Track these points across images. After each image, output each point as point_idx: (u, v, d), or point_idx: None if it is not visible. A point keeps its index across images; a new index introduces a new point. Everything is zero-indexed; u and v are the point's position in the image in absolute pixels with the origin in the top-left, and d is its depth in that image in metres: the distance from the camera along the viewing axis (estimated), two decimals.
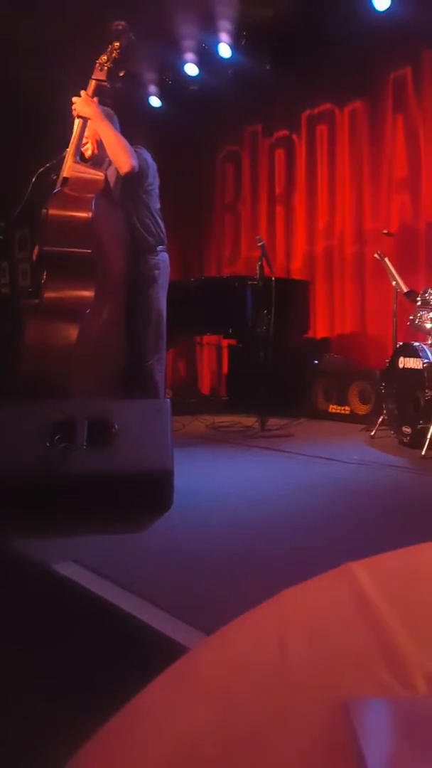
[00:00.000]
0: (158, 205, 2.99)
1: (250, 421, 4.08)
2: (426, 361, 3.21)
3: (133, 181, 2.80)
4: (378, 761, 0.43)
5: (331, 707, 0.47)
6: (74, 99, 2.76)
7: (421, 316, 3.50)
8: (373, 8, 4.61)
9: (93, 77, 2.77)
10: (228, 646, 0.60)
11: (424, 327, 3.48)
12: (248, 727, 0.46)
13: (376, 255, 4.07)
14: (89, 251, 2.58)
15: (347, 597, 0.66)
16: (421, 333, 3.60)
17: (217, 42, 5.36)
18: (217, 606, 1.19)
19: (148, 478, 2.00)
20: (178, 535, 1.83)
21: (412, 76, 4.98)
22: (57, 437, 1.95)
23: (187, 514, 2.02)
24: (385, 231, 4.35)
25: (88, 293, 2.57)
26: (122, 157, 2.70)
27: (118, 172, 2.77)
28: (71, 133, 2.78)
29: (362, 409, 4.40)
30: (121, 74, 2.82)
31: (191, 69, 5.68)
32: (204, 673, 0.55)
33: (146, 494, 2.01)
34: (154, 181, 2.94)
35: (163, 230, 2.99)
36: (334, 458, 3.04)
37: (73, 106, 2.76)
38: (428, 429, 3.07)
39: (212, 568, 1.53)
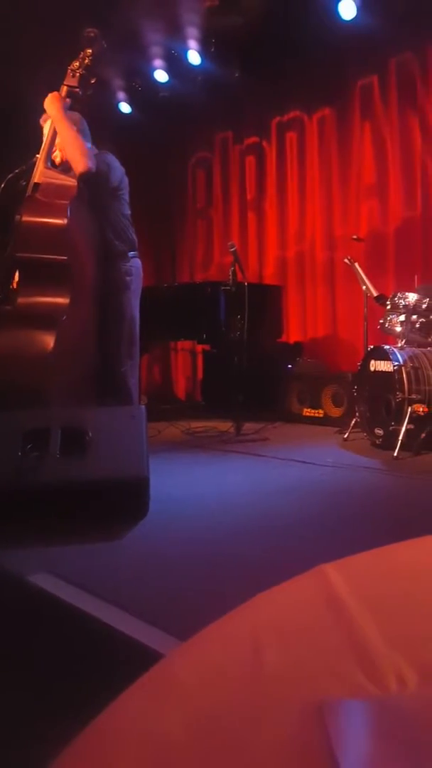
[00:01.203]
0: (129, 211, 2.98)
1: (226, 425, 4.09)
2: (396, 363, 3.27)
3: (96, 184, 2.78)
4: (352, 762, 0.43)
5: (305, 709, 0.47)
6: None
7: (390, 319, 3.56)
8: (340, 17, 4.70)
9: (65, 83, 2.76)
10: (202, 652, 0.60)
11: (394, 330, 3.54)
12: (223, 733, 0.46)
13: (346, 260, 4.13)
14: (65, 258, 2.57)
15: (320, 599, 0.67)
16: (392, 336, 3.67)
17: (187, 49, 5.39)
18: (193, 612, 1.19)
19: (124, 486, 1.99)
20: (155, 542, 1.82)
21: (379, 85, 5.08)
22: (29, 446, 1.93)
23: (163, 521, 2.01)
24: (355, 236, 4.42)
25: (63, 300, 2.56)
26: (77, 157, 2.69)
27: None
28: (42, 139, 2.77)
29: (336, 412, 4.44)
30: (93, 81, 2.82)
31: (161, 75, 5.69)
32: (179, 680, 0.56)
33: (122, 502, 2.00)
34: (122, 186, 2.93)
35: (134, 236, 2.99)
36: (308, 461, 3.07)
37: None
38: (400, 431, 3.13)
39: (188, 574, 1.53)
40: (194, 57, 5.43)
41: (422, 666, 0.57)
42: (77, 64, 2.75)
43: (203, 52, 5.41)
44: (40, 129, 2.86)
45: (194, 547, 1.77)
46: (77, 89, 2.75)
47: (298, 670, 0.55)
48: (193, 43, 5.31)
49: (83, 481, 1.93)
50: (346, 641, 0.59)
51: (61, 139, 2.74)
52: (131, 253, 2.95)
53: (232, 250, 4.03)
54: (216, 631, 0.62)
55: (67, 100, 2.75)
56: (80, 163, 2.68)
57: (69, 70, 2.76)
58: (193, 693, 0.52)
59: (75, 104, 2.83)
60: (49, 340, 2.42)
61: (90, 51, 2.74)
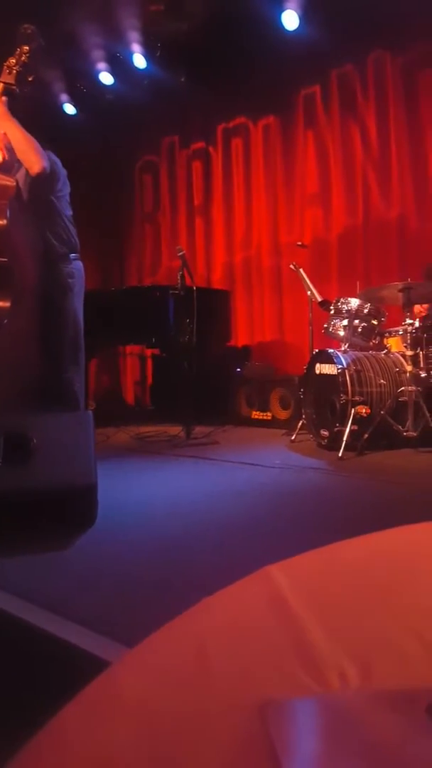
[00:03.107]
0: (70, 212, 2.93)
1: (176, 430, 4.08)
2: (340, 367, 3.35)
3: (44, 185, 2.73)
4: (293, 760, 0.44)
5: (248, 711, 0.48)
6: None
7: (334, 324, 3.65)
8: (284, 28, 4.80)
9: (0, 80, 2.69)
10: (148, 659, 0.60)
11: (338, 334, 3.64)
12: (168, 744, 0.46)
13: (291, 266, 4.21)
14: (5, 259, 2.50)
15: (264, 601, 0.68)
16: (335, 340, 3.77)
17: (132, 52, 5.37)
18: (142, 619, 1.18)
19: (71, 493, 1.95)
20: (103, 549, 1.80)
21: (321, 95, 5.21)
22: None
23: (112, 528, 1.99)
24: (299, 243, 4.51)
25: (3, 303, 2.48)
26: (32, 156, 2.63)
27: (27, 177, 2.70)
28: None
29: (283, 415, 4.52)
30: (30, 79, 2.76)
31: (106, 78, 5.65)
32: (123, 690, 0.55)
33: (69, 510, 1.96)
34: (63, 186, 2.89)
35: (76, 238, 2.94)
36: (257, 463, 3.10)
37: None
38: (344, 432, 3.21)
39: (137, 580, 1.51)
40: (140, 60, 5.42)
41: (363, 661, 0.59)
42: (14, 60, 2.69)
43: (149, 56, 5.41)
44: None
45: (143, 553, 1.76)
46: (14, 86, 2.69)
47: (242, 672, 0.56)
48: (138, 47, 5.30)
49: (28, 489, 1.88)
50: (289, 641, 0.60)
51: (12, 138, 2.66)
52: (73, 255, 2.90)
53: (181, 254, 4.03)
54: (161, 638, 0.62)
55: (3, 97, 2.68)
56: (36, 163, 2.62)
57: (5, 67, 2.69)
58: (138, 705, 0.52)
59: (13, 102, 2.76)
60: None
61: (27, 48, 2.69)
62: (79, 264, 2.95)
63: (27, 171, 2.69)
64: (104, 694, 0.54)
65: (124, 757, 0.48)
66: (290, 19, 4.75)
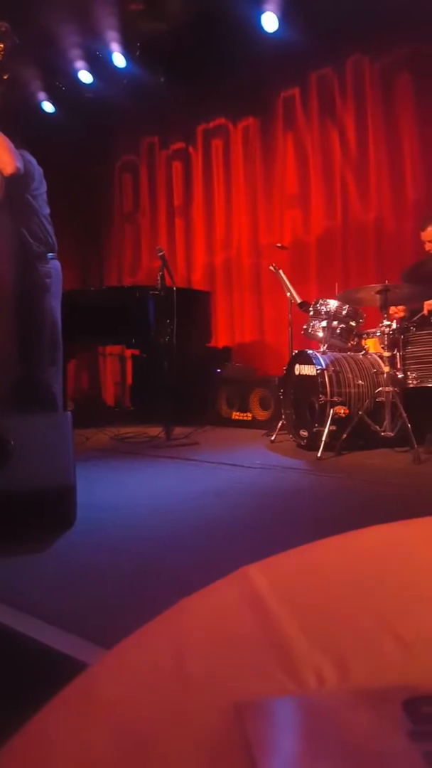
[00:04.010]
0: (47, 210, 2.91)
1: (156, 431, 4.07)
2: (319, 368, 3.38)
3: (18, 184, 2.70)
4: (269, 760, 0.44)
5: (226, 712, 0.48)
6: None
7: (313, 325, 3.68)
8: (263, 30, 4.82)
9: None
10: (125, 661, 0.60)
11: (317, 335, 3.67)
12: (144, 745, 0.46)
13: (271, 267, 4.24)
14: None
15: (242, 601, 0.68)
16: (314, 341, 3.80)
17: (111, 51, 5.34)
18: (121, 620, 1.18)
19: (49, 495, 1.94)
20: (81, 551, 1.78)
21: (300, 97, 5.25)
22: None
23: (91, 529, 1.97)
24: (279, 244, 4.54)
25: None
26: (5, 157, 2.61)
27: (1, 177, 2.67)
28: None
29: (263, 415, 4.54)
30: (5, 77, 2.73)
31: (85, 76, 5.61)
32: (100, 693, 0.55)
33: (47, 511, 1.94)
34: (40, 185, 2.86)
35: (54, 237, 2.91)
36: (237, 464, 3.11)
37: None
38: (323, 432, 3.23)
39: (115, 582, 1.51)
40: (119, 60, 5.40)
41: (339, 660, 0.60)
42: None
43: (128, 56, 5.39)
44: None
45: (122, 554, 1.75)
46: None
47: (219, 673, 0.56)
48: (117, 46, 5.28)
49: (5, 491, 1.86)
50: (266, 641, 0.60)
51: None
52: (50, 255, 2.88)
53: (161, 254, 4.02)
54: (138, 639, 0.62)
55: None
56: (9, 164, 2.59)
57: None
58: (115, 708, 0.52)
59: None
60: None
61: (2, 45, 2.66)
62: (57, 263, 2.93)
63: (0, 171, 2.66)
64: (81, 696, 0.54)
65: (101, 759, 0.48)
66: (270, 22, 4.78)
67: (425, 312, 3.51)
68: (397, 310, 3.73)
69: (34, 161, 2.82)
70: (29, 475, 1.91)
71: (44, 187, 2.89)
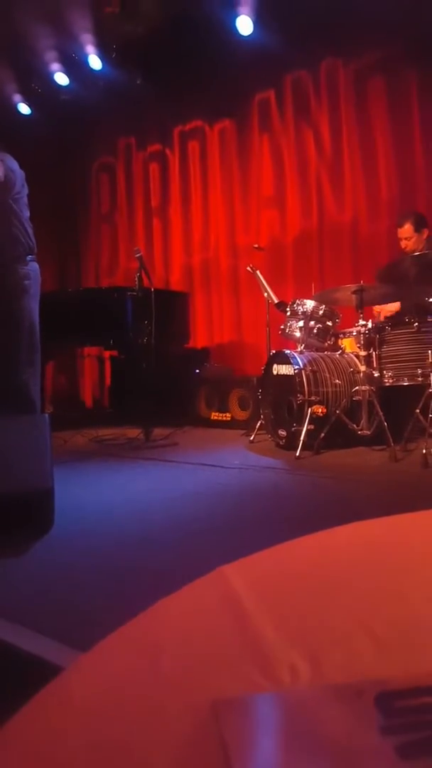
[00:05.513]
0: (27, 213, 2.89)
1: (135, 432, 4.06)
2: (297, 367, 3.41)
3: (0, 191, 2.69)
4: (242, 757, 0.45)
5: (201, 711, 0.49)
6: None
7: (290, 325, 3.71)
8: (238, 33, 4.84)
9: None
10: (101, 664, 0.60)
11: (294, 335, 3.70)
12: (119, 746, 0.47)
13: (248, 268, 4.26)
14: None
15: (219, 601, 0.69)
16: (292, 341, 3.83)
17: (87, 53, 5.32)
18: (99, 623, 1.18)
19: (27, 498, 1.92)
20: (59, 555, 1.77)
21: (276, 99, 5.28)
22: None
23: (69, 532, 1.96)
24: (256, 245, 4.56)
25: None
26: None
27: None
28: None
29: (242, 415, 4.55)
30: None
31: (61, 78, 5.58)
32: (76, 697, 0.55)
33: (25, 515, 1.93)
34: (22, 189, 2.85)
35: (33, 239, 2.90)
36: (217, 464, 3.12)
37: None
38: (301, 431, 3.26)
39: (95, 585, 1.50)
40: (95, 62, 5.37)
41: (313, 656, 0.61)
42: None
43: (104, 58, 5.37)
44: None
45: (101, 557, 1.74)
46: None
47: (195, 673, 0.57)
48: (93, 48, 5.26)
49: None
50: (241, 640, 0.61)
51: None
52: (29, 257, 2.86)
53: (138, 255, 4.02)
54: (114, 641, 0.62)
55: None
56: None
57: None
58: (91, 711, 0.52)
59: None
60: None
61: None
62: (35, 265, 2.91)
63: None
64: (57, 701, 0.54)
65: (76, 761, 0.48)
66: (244, 25, 4.80)
67: (384, 317, 3.59)
68: (381, 309, 3.78)
69: (15, 166, 2.81)
70: (7, 477, 1.90)
71: (26, 191, 2.88)
